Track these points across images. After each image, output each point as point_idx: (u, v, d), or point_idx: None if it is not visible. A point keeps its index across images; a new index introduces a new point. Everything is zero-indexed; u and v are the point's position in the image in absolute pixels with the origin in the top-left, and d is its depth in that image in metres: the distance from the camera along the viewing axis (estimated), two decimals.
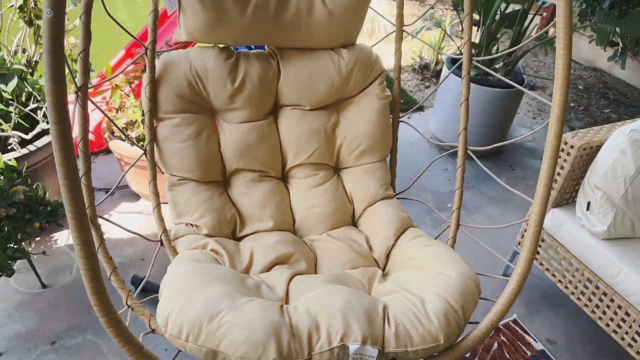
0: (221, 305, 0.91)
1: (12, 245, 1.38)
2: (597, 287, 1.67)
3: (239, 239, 1.35)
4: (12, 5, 1.70)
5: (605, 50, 3.08)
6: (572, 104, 3.65)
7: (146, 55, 1.27)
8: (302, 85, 1.40)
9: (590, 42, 4.00)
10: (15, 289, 1.77)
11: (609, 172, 1.61)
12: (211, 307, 0.91)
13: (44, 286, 1.79)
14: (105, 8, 1.14)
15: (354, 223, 1.49)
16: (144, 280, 1.24)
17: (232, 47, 1.36)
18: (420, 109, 3.35)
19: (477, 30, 2.71)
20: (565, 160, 1.73)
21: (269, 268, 1.22)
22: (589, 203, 1.70)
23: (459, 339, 1.03)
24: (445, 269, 1.10)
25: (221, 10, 1.23)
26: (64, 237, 2.01)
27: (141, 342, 0.89)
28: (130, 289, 1.16)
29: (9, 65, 1.63)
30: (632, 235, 1.68)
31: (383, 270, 1.32)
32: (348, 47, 1.44)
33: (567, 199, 1.84)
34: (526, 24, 2.58)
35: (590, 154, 1.71)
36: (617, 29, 2.34)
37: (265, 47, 1.44)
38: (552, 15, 4.39)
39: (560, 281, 1.82)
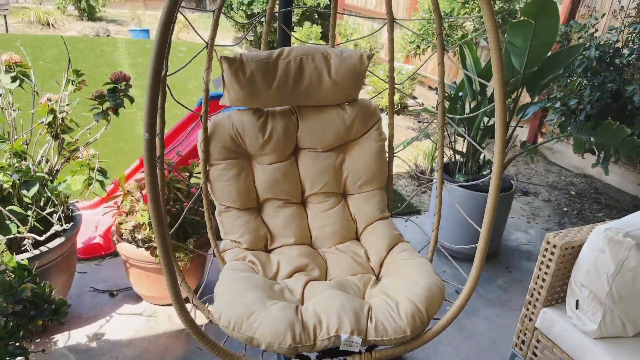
0: (255, 307, 1.36)
1: (13, 342, 1.43)
2: None
3: (269, 251, 1.79)
4: (42, 122, 1.92)
5: (583, 158, 3.26)
6: (565, 209, 3.77)
7: (201, 119, 1.71)
8: (315, 133, 1.85)
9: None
10: None
11: (591, 270, 1.67)
12: (248, 309, 1.35)
13: None
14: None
15: (357, 238, 1.90)
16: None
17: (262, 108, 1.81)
18: (417, 212, 3.48)
19: (464, 141, 2.92)
20: (550, 260, 1.80)
21: (290, 275, 1.64)
22: (577, 301, 1.73)
23: (423, 331, 1.45)
24: (417, 278, 1.53)
25: (253, 88, 1.68)
26: (64, 339, 2.04)
27: (203, 330, 1.35)
28: None
29: (32, 173, 1.80)
30: (624, 334, 1.69)
31: (377, 276, 1.72)
32: (351, 102, 1.88)
33: (557, 298, 1.87)
34: (509, 134, 2.80)
35: (573, 253, 1.79)
36: (592, 138, 2.53)
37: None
38: (539, 126, 4.70)
39: None
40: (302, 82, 1.74)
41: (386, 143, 1.95)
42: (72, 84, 2.02)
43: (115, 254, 2.61)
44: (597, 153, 2.69)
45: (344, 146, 1.91)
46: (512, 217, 3.53)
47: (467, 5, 4.34)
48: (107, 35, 8.47)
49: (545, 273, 1.82)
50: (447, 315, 1.50)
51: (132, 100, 1.99)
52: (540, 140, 4.84)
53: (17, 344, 1.45)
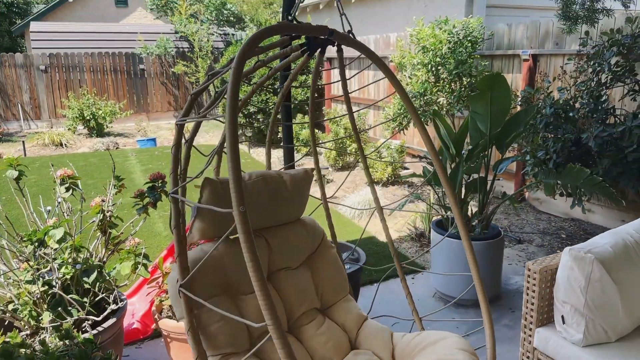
0: None
1: None
2: None
3: None
4: (94, 221, 2.30)
5: (555, 199, 3.61)
6: (558, 251, 4.05)
7: (176, 259, 1.64)
8: (287, 250, 1.90)
9: (565, 200, 4.59)
10: None
11: (567, 287, 1.97)
12: None
13: None
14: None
15: (354, 347, 1.93)
16: None
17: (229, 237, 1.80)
18: (423, 269, 3.77)
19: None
20: (534, 285, 2.10)
21: None
22: (562, 317, 2.01)
23: None
24: (445, 337, 1.76)
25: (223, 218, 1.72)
26: None
27: None
28: None
29: (92, 263, 2.15)
30: (608, 340, 1.95)
31: None
32: (299, 219, 2.00)
33: (547, 318, 2.14)
34: (489, 188, 3.18)
35: (552, 275, 2.09)
36: (559, 182, 2.91)
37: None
38: (522, 180, 5.10)
39: None
40: (267, 200, 1.80)
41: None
42: (115, 187, 2.43)
43: (152, 337, 2.87)
44: (571, 195, 3.05)
45: (308, 261, 1.99)
46: (509, 264, 3.81)
47: (437, 84, 4.94)
48: (117, 148, 9.15)
49: (532, 297, 2.11)
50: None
51: (167, 194, 2.38)
52: (526, 191, 5.22)
53: None
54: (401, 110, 5.04)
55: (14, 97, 11.04)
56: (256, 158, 8.00)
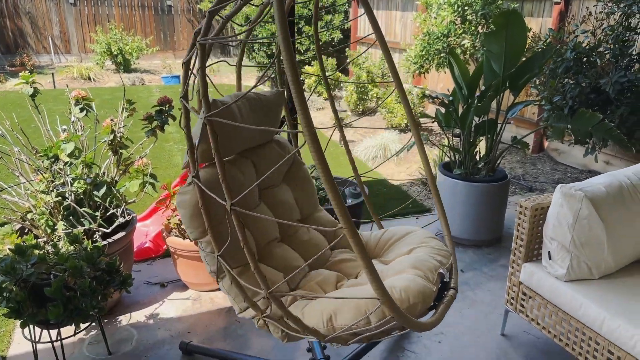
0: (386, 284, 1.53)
1: (95, 299, 1.86)
2: (570, 325, 1.94)
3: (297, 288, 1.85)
4: (105, 140, 2.41)
5: (562, 143, 3.55)
6: None
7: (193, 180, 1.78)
8: (269, 169, 1.99)
9: (585, 152, 4.50)
10: (86, 356, 2.19)
11: (556, 224, 2.00)
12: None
13: (110, 353, 2.20)
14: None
15: (332, 247, 2.14)
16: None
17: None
18: (428, 211, 3.82)
19: (460, 140, 3.29)
20: (524, 221, 2.14)
21: (337, 289, 1.83)
22: (549, 253, 2.06)
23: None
24: (413, 230, 2.05)
25: (227, 135, 1.77)
26: (127, 319, 2.46)
27: None
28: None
29: (102, 178, 2.28)
30: (591, 277, 2.00)
31: (375, 257, 2.04)
32: (274, 138, 2.13)
33: (535, 255, 2.19)
34: (498, 131, 3.16)
35: (544, 213, 2.12)
36: (569, 126, 2.86)
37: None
38: (544, 130, 5.00)
39: (544, 328, 2.08)
40: (252, 122, 1.86)
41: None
42: (126, 110, 2.52)
43: (163, 256, 3.05)
44: (582, 142, 3.01)
45: (285, 178, 2.15)
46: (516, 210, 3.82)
47: (463, 26, 4.78)
48: (142, 84, 9.28)
49: (522, 233, 2.15)
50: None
51: (174, 118, 2.46)
52: (545, 141, 5.13)
53: (98, 303, 1.88)
54: (423, 52, 4.93)
55: (45, 30, 11.18)
56: None
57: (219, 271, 1.64)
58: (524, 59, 2.96)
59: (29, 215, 2.28)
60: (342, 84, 7.58)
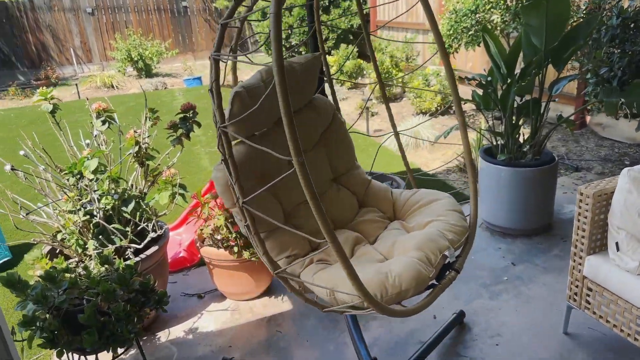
0: (383, 268, 1.60)
1: (130, 323, 1.77)
2: None
3: (317, 249, 1.93)
4: (130, 153, 2.32)
5: (617, 119, 3.29)
6: None
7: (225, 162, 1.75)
8: (302, 135, 1.93)
9: (630, 121, 4.20)
10: None
11: (624, 212, 1.80)
12: (379, 273, 1.58)
13: None
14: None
15: (360, 205, 2.21)
16: None
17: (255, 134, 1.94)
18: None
19: (501, 123, 3.08)
20: (586, 210, 1.94)
21: (352, 251, 1.92)
22: (617, 244, 1.86)
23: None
24: (440, 198, 2.04)
25: (257, 110, 1.73)
26: (165, 335, 2.38)
27: None
28: None
29: (128, 193, 2.19)
30: None
31: (396, 219, 2.13)
32: (311, 101, 2.16)
33: (599, 246, 1.99)
34: (542, 110, 2.93)
35: (607, 199, 1.92)
36: (622, 100, 2.62)
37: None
38: (584, 103, 4.71)
39: (615, 326, 1.89)
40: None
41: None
42: (149, 119, 2.42)
43: (199, 265, 2.97)
44: (637, 115, 2.76)
45: (322, 139, 2.18)
46: (564, 193, 3.59)
47: (491, 1, 4.52)
48: (165, 88, 9.27)
49: (584, 223, 1.95)
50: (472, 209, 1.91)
51: (199, 125, 2.35)
52: (587, 116, 4.84)
53: (135, 326, 1.79)
54: (450, 31, 4.69)
55: (66, 41, 11.31)
56: None
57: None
58: (566, 30, 2.72)
59: (59, 236, 2.21)
60: (364, 72, 7.37)
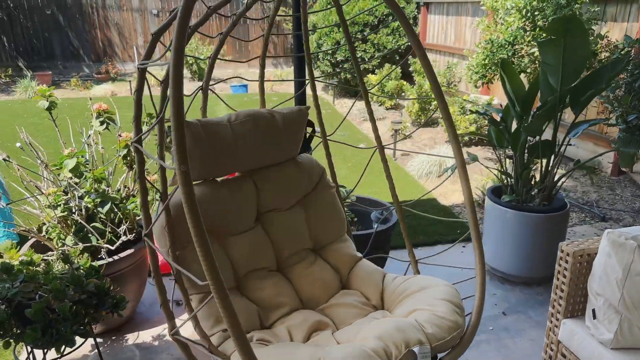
0: (318, 354, 1.33)
1: (77, 324, 1.79)
2: None
3: (269, 327, 1.68)
4: (119, 155, 2.38)
5: (632, 172, 3.01)
6: None
7: (161, 201, 1.63)
8: (275, 193, 1.85)
9: None
10: None
11: (603, 277, 1.63)
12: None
13: None
14: None
15: (344, 287, 1.90)
16: None
17: (216, 179, 1.78)
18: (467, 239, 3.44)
19: (512, 163, 2.91)
20: (565, 269, 1.78)
21: (308, 337, 1.59)
22: (593, 310, 1.69)
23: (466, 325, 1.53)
24: (435, 286, 1.64)
25: (212, 151, 1.67)
26: (134, 338, 2.40)
27: None
28: None
29: (107, 194, 2.24)
30: None
31: (383, 309, 1.76)
32: (295, 159, 1.94)
33: (579, 309, 1.82)
34: (556, 153, 2.74)
35: (589, 261, 1.75)
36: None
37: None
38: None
39: None
40: (255, 141, 1.74)
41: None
42: (145, 124, 2.47)
43: None
44: None
45: (302, 202, 1.94)
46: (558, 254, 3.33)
47: (532, 33, 4.32)
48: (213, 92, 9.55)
49: (563, 283, 1.79)
50: (476, 305, 1.58)
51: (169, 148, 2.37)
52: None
53: (82, 326, 1.81)
54: (486, 61, 4.52)
55: (130, 39, 11.92)
56: (339, 109, 7.84)
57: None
58: (589, 70, 2.54)
59: (44, 228, 2.29)
60: (404, 93, 7.25)
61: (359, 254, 1.97)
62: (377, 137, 2.11)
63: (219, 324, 1.56)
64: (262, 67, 2.29)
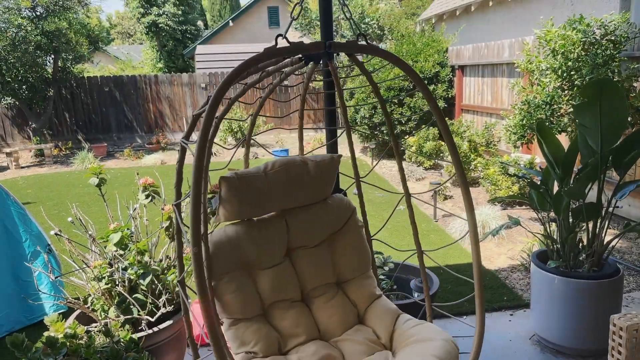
0: None
1: None
2: None
3: (285, 354, 1.85)
4: (163, 227, 2.47)
5: None
6: None
7: (202, 240, 1.83)
8: (304, 231, 2.02)
9: None
10: None
11: None
12: None
13: None
14: None
15: (360, 321, 2.01)
16: None
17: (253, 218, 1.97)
18: (527, 306, 3.27)
19: (557, 227, 2.81)
20: (620, 345, 1.66)
21: None
22: None
23: None
24: (433, 339, 1.72)
25: (248, 199, 1.88)
26: None
27: None
28: None
29: (149, 266, 2.31)
30: None
31: (391, 349, 1.85)
32: (327, 199, 2.12)
33: None
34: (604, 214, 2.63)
35: None
36: None
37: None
38: None
39: None
40: (288, 186, 1.94)
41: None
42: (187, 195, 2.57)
43: None
44: None
45: (329, 239, 2.09)
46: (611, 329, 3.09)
47: (570, 92, 4.30)
48: (256, 157, 9.87)
49: (618, 359, 1.66)
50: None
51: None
52: None
53: None
54: (523, 121, 4.49)
55: (180, 111, 12.67)
56: (377, 170, 7.89)
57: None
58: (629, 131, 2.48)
59: (89, 300, 2.37)
60: (442, 154, 7.24)
61: (379, 292, 2.09)
62: (405, 185, 2.21)
63: (242, 347, 1.78)
64: (301, 118, 2.58)
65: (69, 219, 2.42)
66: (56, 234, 2.33)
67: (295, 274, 2.00)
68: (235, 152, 2.31)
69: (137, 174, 2.69)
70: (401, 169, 2.20)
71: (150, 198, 2.57)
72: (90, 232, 2.35)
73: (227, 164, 2.12)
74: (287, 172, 1.94)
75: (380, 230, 2.45)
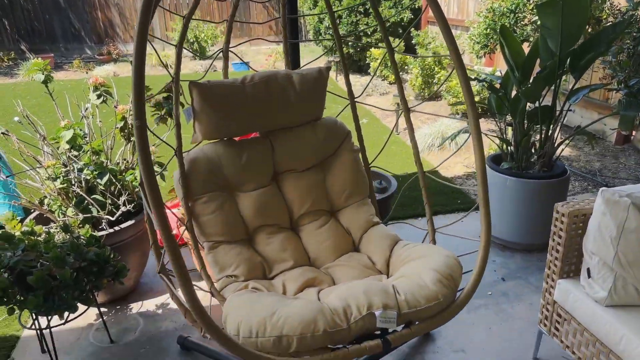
0: (276, 306, 1.34)
1: (78, 290, 1.82)
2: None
3: (270, 279, 1.76)
4: (117, 127, 2.39)
5: (632, 136, 2.98)
6: None
7: (176, 156, 1.77)
8: (292, 154, 1.90)
9: None
10: (90, 342, 2.19)
11: (597, 236, 1.64)
12: (269, 309, 1.33)
13: (112, 342, 2.19)
14: None
15: (355, 249, 1.93)
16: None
17: (234, 139, 1.85)
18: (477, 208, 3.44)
19: (512, 130, 2.89)
20: (560, 230, 1.78)
21: (300, 290, 1.64)
22: (588, 270, 1.69)
23: (454, 298, 1.49)
24: (432, 255, 1.60)
25: (224, 112, 1.76)
26: (138, 307, 2.45)
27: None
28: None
29: (105, 166, 2.25)
30: (638, 303, 1.61)
31: (388, 275, 1.74)
32: (318, 121, 1.97)
33: (574, 270, 1.82)
34: (555, 119, 2.72)
35: (584, 221, 1.75)
36: None
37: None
38: None
39: (580, 358, 1.73)
40: (270, 103, 1.80)
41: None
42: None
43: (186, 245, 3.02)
44: None
45: (322, 164, 1.99)
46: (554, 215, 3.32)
47: (535, 1, 4.24)
48: (214, 70, 9.49)
49: (558, 244, 1.79)
50: (472, 277, 1.56)
51: (183, 105, 2.37)
52: (633, 132, 4.45)
53: (83, 293, 1.85)
54: (487, 30, 4.45)
55: (131, 19, 11.83)
56: (340, 85, 7.78)
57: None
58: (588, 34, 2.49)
59: (46, 201, 2.32)
60: (407, 67, 7.18)
61: (377, 219, 1.96)
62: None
63: (223, 271, 1.71)
64: (285, 28, 2.41)
65: (16, 118, 2.30)
66: (3, 133, 2.21)
67: (284, 199, 1.91)
68: (216, 55, 2.30)
69: (87, 72, 2.53)
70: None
71: (102, 98, 2.45)
72: (40, 133, 2.24)
73: (204, 75, 1.99)
74: (268, 85, 1.80)
75: (376, 157, 2.43)
